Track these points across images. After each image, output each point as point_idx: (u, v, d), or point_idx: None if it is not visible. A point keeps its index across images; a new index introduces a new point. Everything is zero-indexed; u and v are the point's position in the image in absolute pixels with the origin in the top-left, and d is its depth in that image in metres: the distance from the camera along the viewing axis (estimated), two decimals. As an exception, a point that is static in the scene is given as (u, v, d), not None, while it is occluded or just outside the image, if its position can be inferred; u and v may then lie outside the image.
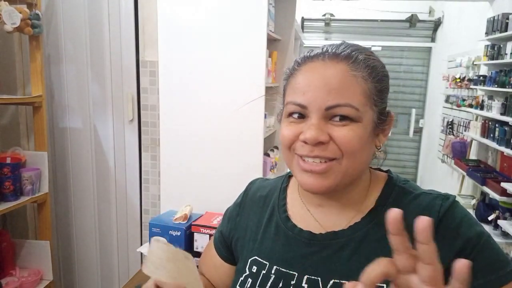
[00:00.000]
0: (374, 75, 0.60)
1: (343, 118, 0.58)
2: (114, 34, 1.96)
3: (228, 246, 0.79)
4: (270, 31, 1.62)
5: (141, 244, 2.08)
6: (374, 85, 0.60)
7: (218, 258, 0.80)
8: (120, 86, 2.00)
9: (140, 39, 1.90)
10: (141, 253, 2.03)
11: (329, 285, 0.61)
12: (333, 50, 0.60)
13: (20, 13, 1.62)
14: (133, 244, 2.13)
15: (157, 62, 1.77)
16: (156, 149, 1.95)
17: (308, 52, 0.63)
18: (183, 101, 1.54)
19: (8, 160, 1.73)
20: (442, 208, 0.60)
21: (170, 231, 1.33)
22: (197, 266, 0.72)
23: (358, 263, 0.60)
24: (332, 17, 4.89)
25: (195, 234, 1.36)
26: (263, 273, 0.67)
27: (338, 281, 0.60)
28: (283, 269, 0.66)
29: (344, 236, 0.63)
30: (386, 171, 0.71)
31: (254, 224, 0.74)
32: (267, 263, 0.68)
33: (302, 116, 0.60)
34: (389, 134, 0.66)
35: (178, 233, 1.33)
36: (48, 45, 2.02)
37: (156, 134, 1.92)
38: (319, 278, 0.62)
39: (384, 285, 0.57)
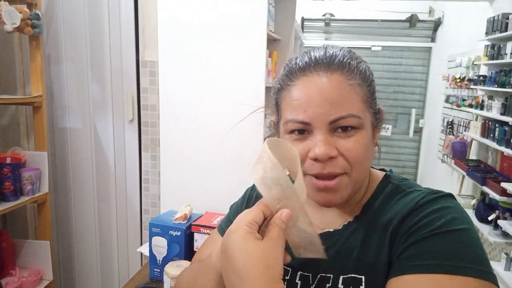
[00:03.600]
0: (366, 79, 0.61)
1: (347, 128, 0.58)
2: (114, 34, 1.96)
3: None
4: (270, 31, 1.62)
5: (141, 244, 2.07)
6: (368, 89, 0.61)
7: None
8: (120, 86, 2.00)
9: (140, 39, 1.90)
10: (141, 253, 2.03)
11: (316, 279, 0.63)
12: (325, 60, 0.59)
13: (20, 13, 1.62)
14: (133, 244, 2.13)
15: (157, 62, 1.77)
16: (156, 149, 1.95)
17: (295, 63, 0.61)
18: (183, 101, 1.54)
19: (8, 160, 1.73)
20: (423, 200, 0.58)
21: (170, 231, 1.33)
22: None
23: (343, 257, 0.62)
24: (332, 17, 4.89)
25: (195, 234, 1.36)
26: None
27: (325, 274, 0.63)
28: None
29: (337, 235, 0.65)
30: (387, 171, 0.71)
31: None
32: None
33: (304, 131, 0.59)
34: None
35: (178, 233, 1.33)
36: (48, 45, 2.02)
37: (156, 134, 1.92)
38: (310, 274, 0.65)
39: (363, 277, 0.59)
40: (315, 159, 0.58)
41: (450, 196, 0.59)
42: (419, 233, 0.54)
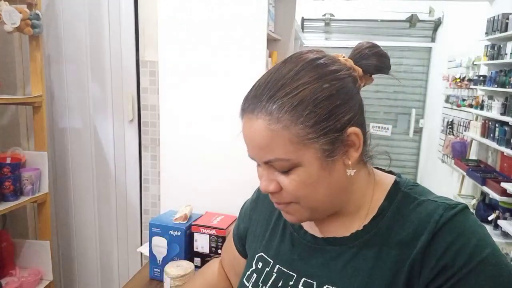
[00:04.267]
0: (299, 114, 0.54)
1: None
2: (114, 34, 1.96)
3: (243, 240, 0.83)
4: (270, 31, 1.62)
5: (141, 244, 2.07)
6: (303, 125, 0.55)
7: (235, 250, 0.85)
8: (120, 86, 2.00)
9: (140, 39, 1.90)
10: (141, 253, 2.03)
11: None
12: (252, 103, 0.59)
13: (20, 13, 1.62)
14: (133, 244, 2.13)
15: (157, 62, 1.77)
16: (156, 149, 1.95)
17: (246, 94, 0.63)
18: (183, 101, 1.54)
19: (8, 160, 1.73)
20: (442, 219, 0.55)
21: (170, 231, 1.33)
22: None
23: (353, 271, 0.60)
24: (332, 17, 4.89)
25: (195, 234, 1.36)
26: (267, 271, 0.70)
27: (331, 287, 0.61)
28: (284, 269, 0.68)
29: (345, 243, 0.63)
30: (396, 175, 0.67)
31: (264, 220, 0.77)
32: (271, 261, 0.71)
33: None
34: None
35: (178, 233, 1.33)
36: (48, 45, 2.02)
37: (156, 134, 1.92)
38: (314, 282, 0.63)
39: None
40: None
41: (466, 208, 0.57)
42: (449, 273, 0.52)
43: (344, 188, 0.61)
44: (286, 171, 0.58)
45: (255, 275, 0.71)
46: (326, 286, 0.61)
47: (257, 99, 0.58)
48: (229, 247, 0.87)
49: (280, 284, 0.66)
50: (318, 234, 0.67)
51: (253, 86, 0.62)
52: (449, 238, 0.54)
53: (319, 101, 0.55)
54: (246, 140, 0.61)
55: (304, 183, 0.57)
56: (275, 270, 0.69)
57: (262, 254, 0.73)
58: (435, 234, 0.55)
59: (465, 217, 0.56)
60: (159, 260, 1.36)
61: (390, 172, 0.69)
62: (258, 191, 0.84)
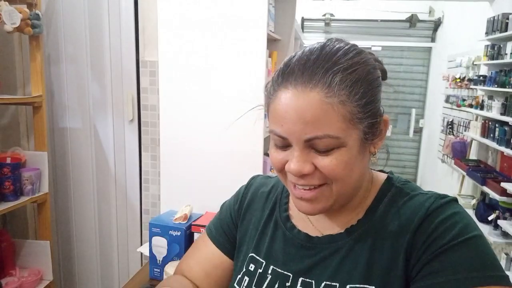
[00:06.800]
0: (356, 91, 0.54)
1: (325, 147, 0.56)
2: (114, 34, 1.96)
3: (232, 237, 0.77)
4: (270, 31, 1.62)
5: (141, 244, 2.07)
6: (356, 104, 0.54)
7: (221, 253, 0.77)
8: (120, 86, 2.00)
9: (140, 39, 1.90)
10: (141, 253, 2.03)
11: (321, 287, 0.61)
12: (306, 73, 0.54)
13: (20, 13, 1.62)
14: (133, 244, 2.13)
15: (157, 62, 1.77)
16: (156, 149, 1.95)
17: (283, 68, 0.58)
18: (183, 101, 1.54)
19: (8, 160, 1.73)
20: (433, 206, 0.58)
21: (170, 231, 1.33)
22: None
23: (350, 264, 0.60)
24: (332, 17, 4.89)
25: (195, 234, 1.36)
26: (260, 272, 0.68)
27: (330, 283, 0.60)
28: (279, 270, 0.66)
29: (340, 239, 0.63)
30: (388, 173, 0.69)
31: (256, 219, 0.75)
32: (263, 261, 0.68)
33: (287, 144, 0.58)
34: (387, 135, 0.64)
35: (178, 233, 1.33)
36: (48, 45, 2.02)
37: (156, 134, 1.92)
38: (313, 281, 0.62)
39: (373, 287, 0.57)
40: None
41: (456, 201, 0.60)
42: (436, 246, 0.54)
43: (364, 176, 0.63)
44: (325, 151, 0.55)
45: (247, 278, 0.68)
46: (325, 282, 0.61)
47: (311, 70, 0.54)
48: (206, 254, 0.79)
49: (276, 286, 0.65)
50: (312, 232, 0.67)
51: (290, 61, 0.57)
52: (439, 218, 0.56)
53: (370, 82, 0.57)
54: (289, 113, 0.55)
55: (346, 164, 0.56)
56: (269, 272, 0.67)
57: (253, 254, 0.70)
58: (426, 218, 0.57)
59: (454, 206, 0.58)
60: (159, 260, 1.36)
61: (381, 171, 0.71)
62: (244, 189, 0.80)
